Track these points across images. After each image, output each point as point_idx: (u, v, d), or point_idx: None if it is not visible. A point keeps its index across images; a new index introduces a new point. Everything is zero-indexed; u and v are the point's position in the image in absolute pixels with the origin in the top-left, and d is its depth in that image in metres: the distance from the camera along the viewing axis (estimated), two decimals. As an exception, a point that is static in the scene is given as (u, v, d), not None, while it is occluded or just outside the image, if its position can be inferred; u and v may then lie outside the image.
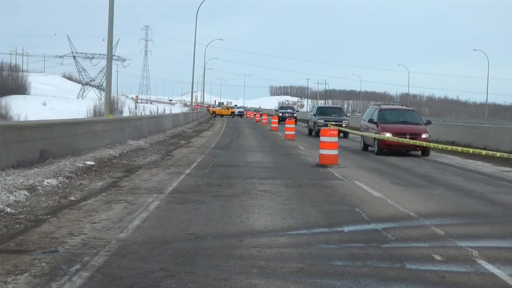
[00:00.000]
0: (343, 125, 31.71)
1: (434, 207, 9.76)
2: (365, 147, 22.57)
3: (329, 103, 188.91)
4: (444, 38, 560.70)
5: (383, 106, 23.25)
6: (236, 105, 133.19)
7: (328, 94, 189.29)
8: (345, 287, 5.27)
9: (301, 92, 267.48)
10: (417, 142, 18.47)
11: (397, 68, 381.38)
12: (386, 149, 20.24)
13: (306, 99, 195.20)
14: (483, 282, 5.54)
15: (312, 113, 35.05)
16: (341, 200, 10.13)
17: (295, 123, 55.80)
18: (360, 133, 22.61)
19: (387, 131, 20.26)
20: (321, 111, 35.16)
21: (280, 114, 59.19)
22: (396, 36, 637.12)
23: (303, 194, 10.70)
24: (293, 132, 29.68)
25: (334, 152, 15.96)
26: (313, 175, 13.74)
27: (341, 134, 30.71)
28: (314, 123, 33.02)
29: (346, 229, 7.78)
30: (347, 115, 36.59)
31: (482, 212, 9.52)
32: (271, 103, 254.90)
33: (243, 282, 5.33)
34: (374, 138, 20.70)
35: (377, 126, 21.15)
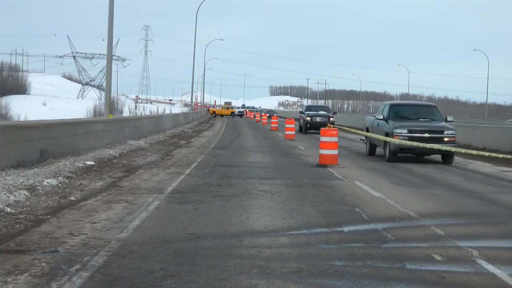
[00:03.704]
0: (446, 139, 17.63)
1: (434, 207, 9.76)
2: None
3: (329, 103, 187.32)
4: (444, 38, 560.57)
5: None
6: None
7: (328, 94, 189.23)
8: (345, 287, 5.27)
9: (301, 92, 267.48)
10: None
11: (397, 68, 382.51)
12: None
13: (306, 99, 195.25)
14: (483, 282, 5.54)
15: (381, 117, 19.25)
16: (341, 200, 10.13)
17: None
18: None
19: None
20: (396, 112, 19.20)
21: (308, 119, 35.09)
22: (396, 36, 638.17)
23: (303, 194, 10.70)
24: (293, 132, 29.62)
25: (334, 152, 15.95)
26: (313, 175, 13.74)
27: (431, 155, 18.54)
28: (387, 135, 18.09)
29: (346, 229, 7.78)
30: (447, 119, 18.94)
31: (482, 212, 9.52)
32: (271, 103, 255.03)
33: (243, 282, 5.33)
34: None
35: None
